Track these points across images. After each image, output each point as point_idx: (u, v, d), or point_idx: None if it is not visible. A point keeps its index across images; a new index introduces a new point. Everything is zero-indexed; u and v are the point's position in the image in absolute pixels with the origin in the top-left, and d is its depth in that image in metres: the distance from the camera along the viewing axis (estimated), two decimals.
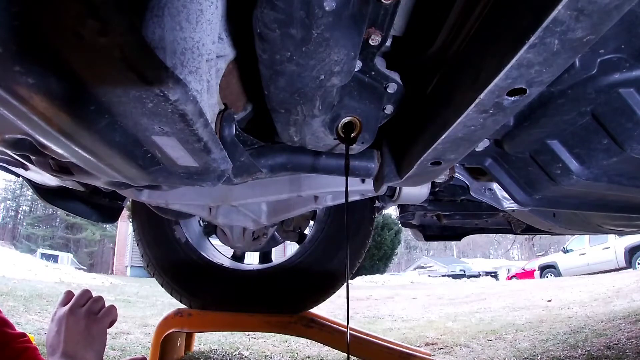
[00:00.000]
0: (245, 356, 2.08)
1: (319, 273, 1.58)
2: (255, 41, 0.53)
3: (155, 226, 1.70)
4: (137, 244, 1.76)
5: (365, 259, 1.68)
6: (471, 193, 1.05)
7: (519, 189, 0.96)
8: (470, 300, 5.02)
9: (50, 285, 6.04)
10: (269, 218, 1.31)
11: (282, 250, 9.89)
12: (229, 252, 1.84)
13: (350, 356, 1.57)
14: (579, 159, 0.78)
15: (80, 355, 0.77)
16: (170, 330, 1.65)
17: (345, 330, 1.63)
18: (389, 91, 0.75)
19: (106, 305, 0.86)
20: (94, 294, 0.87)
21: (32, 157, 0.73)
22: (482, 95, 0.48)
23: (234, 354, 2.10)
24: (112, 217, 1.53)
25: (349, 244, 1.58)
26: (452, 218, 1.66)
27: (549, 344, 2.17)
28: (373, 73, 0.72)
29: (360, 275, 12.85)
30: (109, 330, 0.86)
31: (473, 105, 0.50)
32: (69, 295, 0.85)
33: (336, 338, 1.56)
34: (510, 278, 14.78)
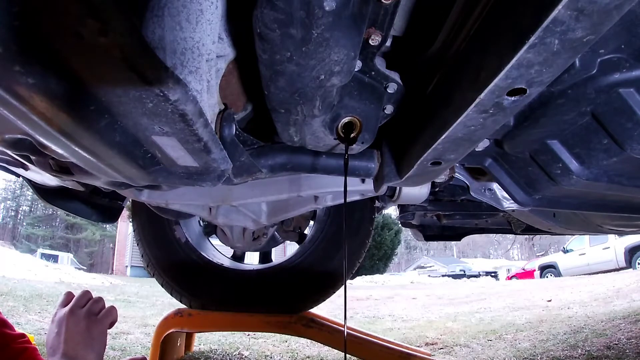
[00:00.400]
0: (245, 356, 2.08)
1: (319, 273, 1.58)
2: (255, 41, 0.53)
3: (155, 226, 1.70)
4: (137, 244, 1.76)
5: (365, 259, 1.68)
6: (471, 193, 1.05)
7: (519, 189, 0.96)
8: (470, 300, 5.02)
9: (50, 285, 6.05)
10: (269, 218, 1.31)
11: (282, 250, 9.88)
12: (229, 252, 1.84)
13: (350, 356, 1.57)
14: (579, 159, 0.78)
15: (80, 356, 0.77)
16: (170, 330, 1.65)
17: (347, 330, 1.63)
18: (389, 91, 0.75)
19: (106, 306, 0.86)
20: (94, 295, 0.87)
21: (32, 157, 0.73)
22: (482, 95, 0.48)
23: (234, 354, 2.10)
24: (112, 217, 1.53)
25: (347, 244, 1.58)
26: (452, 218, 1.66)
27: (549, 344, 2.17)
28: (373, 73, 0.72)
29: (360, 275, 12.86)
30: (109, 330, 0.86)
31: (473, 105, 0.50)
32: (69, 296, 0.85)
33: (336, 338, 1.56)
34: (510, 278, 14.78)
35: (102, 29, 0.35)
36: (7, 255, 10.17)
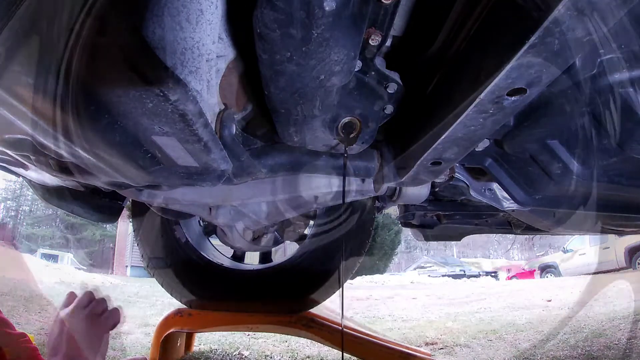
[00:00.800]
0: (245, 356, 2.08)
1: (319, 273, 1.58)
2: (255, 41, 0.53)
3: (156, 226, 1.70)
4: (137, 244, 1.76)
5: (365, 259, 1.68)
6: (471, 193, 1.05)
7: (519, 189, 0.96)
8: (470, 300, 5.02)
9: (50, 285, 6.04)
10: (269, 218, 1.31)
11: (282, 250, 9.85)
12: (229, 252, 1.84)
13: (349, 356, 1.57)
14: (579, 159, 0.78)
15: (82, 356, 0.77)
16: (170, 330, 1.65)
17: (346, 330, 1.64)
18: (389, 91, 0.75)
19: (110, 307, 0.86)
20: (97, 295, 0.87)
21: (32, 157, 0.73)
22: (482, 95, 0.48)
23: (234, 354, 2.10)
24: (112, 217, 1.53)
25: (346, 244, 1.58)
26: (452, 218, 1.66)
27: (549, 344, 2.17)
28: (373, 73, 0.72)
29: (360, 275, 12.83)
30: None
31: (473, 105, 0.50)
32: (71, 296, 0.85)
33: (336, 338, 1.56)
34: (510, 278, 14.77)
35: (102, 29, 0.35)
36: (7, 255, 10.16)
